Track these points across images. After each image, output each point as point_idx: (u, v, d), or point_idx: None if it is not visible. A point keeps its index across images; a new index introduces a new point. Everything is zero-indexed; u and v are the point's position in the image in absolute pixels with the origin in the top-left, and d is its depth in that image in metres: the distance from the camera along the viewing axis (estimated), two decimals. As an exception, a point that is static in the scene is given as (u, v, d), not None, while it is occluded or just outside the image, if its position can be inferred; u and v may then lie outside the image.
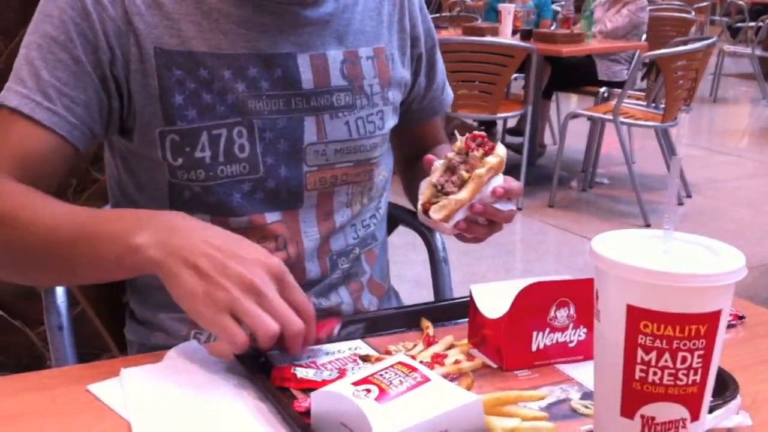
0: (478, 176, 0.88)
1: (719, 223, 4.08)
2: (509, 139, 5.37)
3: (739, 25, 11.35)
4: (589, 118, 4.41)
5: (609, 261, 0.57)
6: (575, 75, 4.94)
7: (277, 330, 0.72)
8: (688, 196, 4.49)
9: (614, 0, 5.09)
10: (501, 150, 0.90)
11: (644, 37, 5.02)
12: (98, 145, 1.61)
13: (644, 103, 4.48)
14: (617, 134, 4.11)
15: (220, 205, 0.96)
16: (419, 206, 0.91)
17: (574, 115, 4.30)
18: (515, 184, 0.92)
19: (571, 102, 5.92)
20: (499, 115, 4.30)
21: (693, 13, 7.31)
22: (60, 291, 0.99)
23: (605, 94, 4.67)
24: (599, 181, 4.75)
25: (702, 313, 0.55)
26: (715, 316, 0.55)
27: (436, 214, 0.89)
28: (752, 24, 9.56)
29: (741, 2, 11.49)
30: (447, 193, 0.88)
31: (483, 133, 0.91)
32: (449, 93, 1.23)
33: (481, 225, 0.92)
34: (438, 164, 0.92)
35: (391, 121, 1.09)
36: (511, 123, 5.32)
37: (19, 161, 0.88)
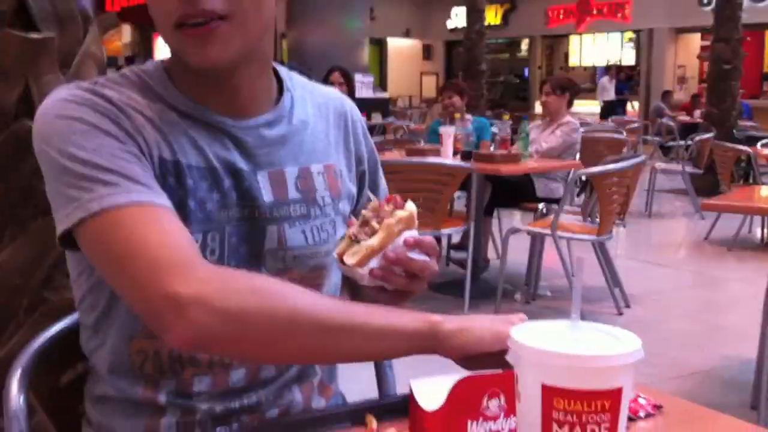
0: (387, 225, 0.96)
1: (659, 333, 4.21)
2: (454, 254, 5.50)
3: (670, 144, 11.95)
4: (529, 232, 4.58)
5: (526, 347, 0.65)
6: (515, 192, 5.15)
7: None
8: (627, 306, 4.63)
9: (548, 122, 5.39)
10: (410, 205, 0.99)
11: (578, 156, 5.29)
12: (51, 266, 1.67)
13: (581, 218, 4.68)
14: (556, 248, 4.27)
15: None
16: (334, 255, 0.99)
17: (515, 230, 4.47)
18: (428, 237, 1.00)
19: (512, 218, 6.13)
20: (443, 231, 4.45)
21: (624, 133, 7.74)
22: (20, 399, 1.03)
23: (544, 210, 4.87)
24: (542, 293, 4.88)
25: (606, 389, 0.63)
26: (618, 392, 0.63)
27: (349, 259, 0.96)
28: (682, 143, 10.08)
29: (671, 123, 12.13)
30: (360, 242, 0.96)
31: (396, 196, 1.00)
32: None
33: (398, 275, 0.99)
34: (354, 220, 1.01)
35: (342, 230, 1.18)
36: (456, 239, 5.47)
37: (188, 241, 0.92)
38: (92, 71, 1.87)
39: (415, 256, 0.98)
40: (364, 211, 1.00)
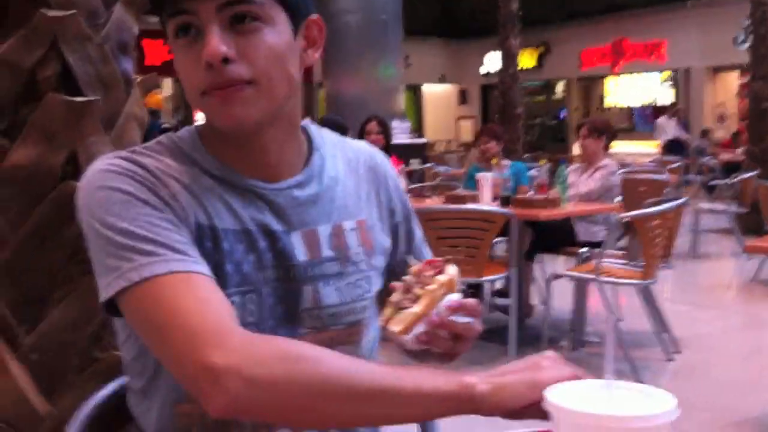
0: (430, 291, 0.97)
1: (710, 378, 4.11)
2: (497, 301, 5.46)
3: (713, 183, 11.76)
4: (571, 278, 4.53)
5: (561, 408, 0.65)
6: (556, 237, 5.11)
7: None
8: (677, 351, 4.53)
9: (586, 165, 5.36)
10: (451, 269, 1.00)
11: (619, 198, 5.25)
12: (100, 324, 1.70)
13: (624, 261, 4.62)
14: (600, 293, 4.21)
15: None
16: (380, 323, 1.00)
17: (557, 276, 4.43)
18: (470, 300, 1.01)
19: (555, 263, 6.08)
20: (484, 278, 4.43)
21: (666, 174, 7.66)
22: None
23: (586, 254, 4.82)
24: (588, 339, 4.81)
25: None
26: (657, 453, 0.62)
27: (394, 327, 0.97)
28: (726, 181, 9.93)
29: (713, 162, 11.97)
30: (403, 309, 0.97)
31: (437, 259, 1.01)
32: (426, 256, 1.33)
33: (443, 339, 1.01)
34: (396, 285, 1.01)
35: (377, 284, 1.19)
36: (498, 285, 5.44)
37: (230, 310, 0.94)
38: (135, 132, 1.93)
39: (459, 318, 0.99)
40: (405, 278, 1.01)
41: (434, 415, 0.94)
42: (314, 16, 1.10)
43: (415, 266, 1.01)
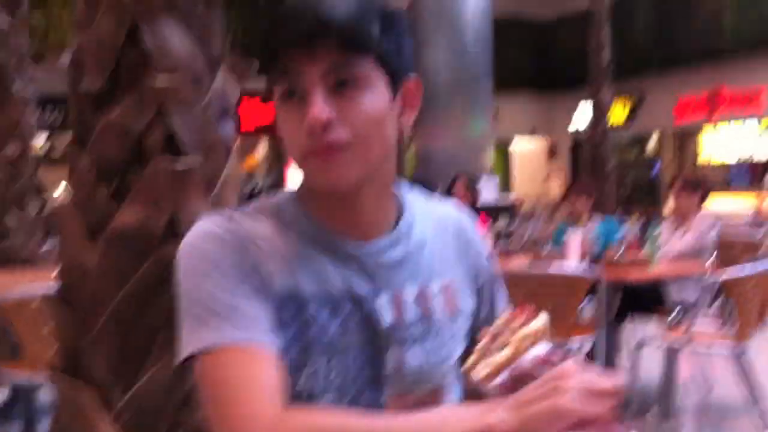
0: (517, 340, 0.96)
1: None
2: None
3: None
4: (659, 346, 4.40)
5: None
6: (646, 298, 4.98)
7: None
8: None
9: (679, 222, 5.23)
10: (542, 317, 0.98)
11: (714, 256, 5.08)
12: (190, 386, 1.76)
13: (718, 324, 4.47)
14: (691, 361, 4.07)
15: None
16: (463, 370, 0.99)
17: (643, 344, 4.29)
18: (558, 353, 0.99)
19: (646, 325, 5.91)
20: (571, 340, 4.35)
21: (760, 236, 7.36)
22: None
23: (678, 317, 4.68)
24: (679, 409, 4.64)
25: None
26: None
27: (477, 374, 0.96)
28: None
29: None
30: (489, 356, 0.96)
31: (527, 308, 1.00)
32: None
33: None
34: (484, 333, 1.00)
35: (459, 349, 1.20)
36: (586, 348, 5.32)
37: (278, 391, 0.99)
38: (233, 194, 2.02)
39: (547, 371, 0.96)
40: (494, 324, 1.00)
41: None
42: (412, 78, 1.13)
43: (505, 314, 1.00)
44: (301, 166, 1.09)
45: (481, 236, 1.32)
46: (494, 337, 0.98)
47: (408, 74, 1.12)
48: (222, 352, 1.00)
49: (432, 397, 1.15)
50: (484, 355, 0.97)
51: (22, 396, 4.06)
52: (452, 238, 1.24)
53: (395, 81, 1.09)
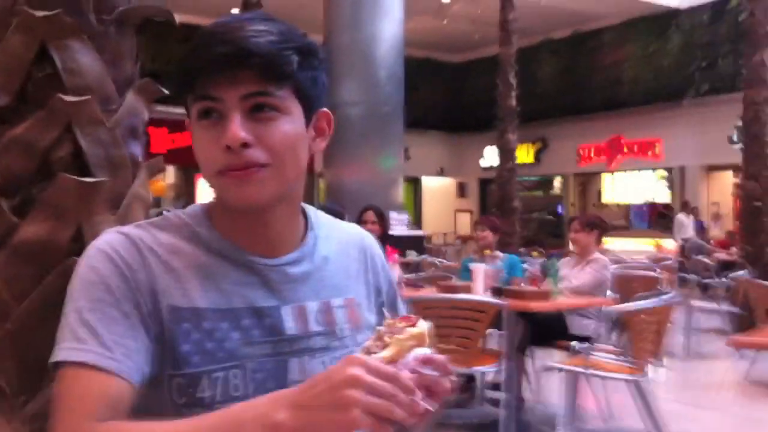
0: (398, 340, 0.99)
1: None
2: (489, 393, 5.45)
3: (707, 281, 11.72)
4: (560, 370, 4.55)
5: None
6: (548, 330, 5.14)
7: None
8: (668, 450, 4.50)
9: (578, 259, 5.44)
10: (423, 324, 1.02)
11: (609, 292, 5.31)
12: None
13: (617, 356, 4.64)
14: (590, 389, 4.22)
15: None
16: None
17: (547, 368, 4.45)
18: (439, 356, 1.00)
19: (548, 356, 6.09)
20: (476, 368, 4.45)
21: (658, 270, 7.71)
22: None
23: (576, 348, 4.84)
24: (580, 435, 4.79)
25: None
26: None
27: None
28: (721, 280, 9.92)
29: (706, 260, 12.00)
30: (372, 354, 0.99)
31: (411, 316, 1.04)
32: None
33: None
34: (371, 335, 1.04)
35: None
36: (489, 377, 5.43)
37: (99, 409, 1.01)
38: (139, 212, 2.01)
39: (428, 371, 1.00)
40: (379, 327, 1.04)
41: None
42: (324, 110, 1.19)
43: (390, 319, 1.04)
44: (214, 182, 1.12)
45: (382, 255, 1.36)
46: (378, 338, 1.02)
47: (321, 106, 1.18)
48: (67, 369, 1.03)
49: None
50: (367, 353, 1.00)
51: None
52: (355, 257, 1.29)
53: (309, 110, 1.14)
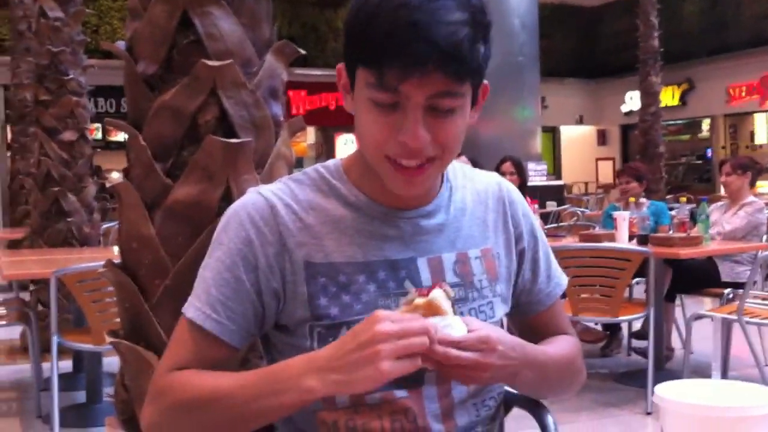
0: (405, 310, 1.02)
1: None
2: (635, 343, 5.33)
3: None
4: (713, 318, 4.38)
5: (669, 401, 0.71)
6: (698, 278, 4.95)
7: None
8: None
9: (731, 202, 5.19)
10: (436, 293, 1.03)
11: (765, 237, 5.03)
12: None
13: (771, 302, 4.43)
14: (744, 335, 4.05)
15: None
16: None
17: (698, 317, 4.29)
18: (469, 336, 1.04)
19: (698, 304, 5.86)
20: (621, 317, 4.35)
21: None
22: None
23: (730, 296, 4.65)
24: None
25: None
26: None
27: None
28: None
29: None
30: None
31: (425, 288, 1.08)
32: (558, 285, 1.35)
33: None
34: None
35: (501, 311, 1.25)
36: (636, 326, 5.31)
37: (189, 361, 1.13)
38: (283, 170, 2.09)
39: (455, 352, 1.01)
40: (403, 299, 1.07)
41: (281, 415, 1.08)
42: (485, 83, 1.15)
43: (410, 294, 1.06)
44: (377, 163, 1.11)
45: (524, 202, 1.34)
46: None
47: (484, 80, 1.14)
48: (183, 318, 1.15)
49: None
50: None
51: (86, 364, 4.23)
52: (493, 207, 1.28)
53: (477, 89, 1.12)
